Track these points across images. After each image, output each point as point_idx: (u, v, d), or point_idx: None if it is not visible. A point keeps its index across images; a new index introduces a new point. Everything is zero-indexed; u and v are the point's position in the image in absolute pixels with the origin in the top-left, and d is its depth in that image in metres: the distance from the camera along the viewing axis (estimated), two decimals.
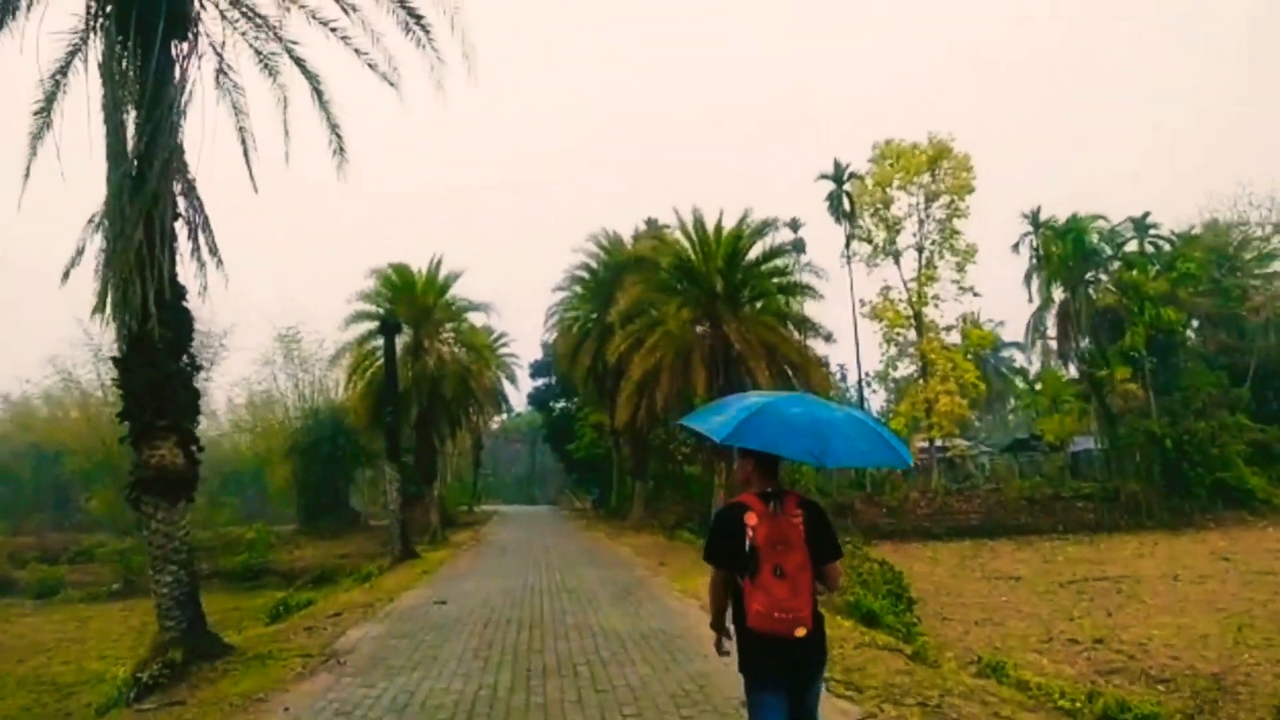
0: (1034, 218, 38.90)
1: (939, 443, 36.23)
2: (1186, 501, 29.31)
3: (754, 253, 18.85)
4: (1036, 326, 46.14)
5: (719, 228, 18.98)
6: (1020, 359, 57.66)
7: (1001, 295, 49.44)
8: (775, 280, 18.77)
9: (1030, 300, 45.24)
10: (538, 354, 48.87)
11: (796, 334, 18.66)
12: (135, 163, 7.66)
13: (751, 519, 2.67)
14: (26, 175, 8.13)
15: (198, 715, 5.57)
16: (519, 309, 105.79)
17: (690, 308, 19.01)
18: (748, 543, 2.65)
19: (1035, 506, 30.36)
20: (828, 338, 19.39)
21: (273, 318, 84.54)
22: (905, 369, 45.83)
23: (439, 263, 27.80)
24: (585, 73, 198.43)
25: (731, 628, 2.88)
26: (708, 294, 18.51)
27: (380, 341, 21.87)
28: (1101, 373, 32.33)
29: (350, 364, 26.76)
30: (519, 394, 52.96)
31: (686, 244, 19.45)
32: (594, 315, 31.41)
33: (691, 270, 19.10)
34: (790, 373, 17.62)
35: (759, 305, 19.35)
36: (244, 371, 65.09)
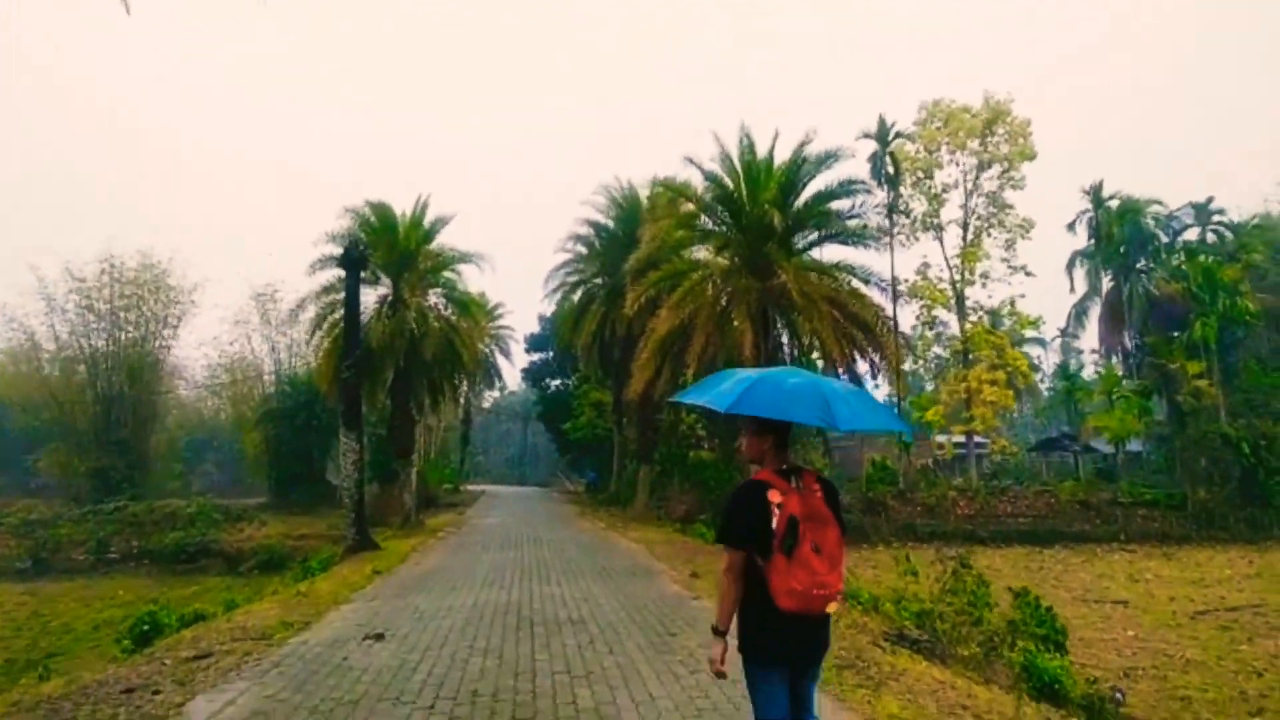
0: (1095, 194, 35.04)
1: (978, 438, 32.70)
2: (1264, 512, 25.87)
3: (815, 186, 15.00)
4: (1078, 317, 42.54)
5: (770, 156, 15.09)
6: (1038, 354, 53.28)
7: (1025, 284, 45.42)
8: (848, 221, 14.75)
9: (1071, 290, 41.74)
10: (534, 329, 45.64)
11: (863, 289, 14.80)
12: None
13: (775, 495, 2.61)
14: None
15: None
16: (517, 287, 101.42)
17: (733, 250, 15.20)
18: (775, 519, 2.56)
19: (1091, 512, 26.91)
20: (897, 299, 15.61)
21: (250, 276, 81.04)
22: (928, 361, 42.44)
23: (425, 205, 23.89)
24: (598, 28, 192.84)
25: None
26: (757, 232, 14.58)
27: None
28: (1173, 365, 28.64)
29: (315, 316, 22.88)
30: (513, 369, 49.51)
31: (727, 177, 15.50)
32: (599, 279, 27.78)
33: (735, 203, 15.19)
34: (860, 336, 13.86)
35: (818, 253, 15.53)
36: (214, 330, 62.26)
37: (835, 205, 14.99)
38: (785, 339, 15.32)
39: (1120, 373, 38.56)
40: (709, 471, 23.95)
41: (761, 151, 15.09)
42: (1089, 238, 36.12)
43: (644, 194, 26.35)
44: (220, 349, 40.55)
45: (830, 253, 16.14)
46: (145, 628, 7.71)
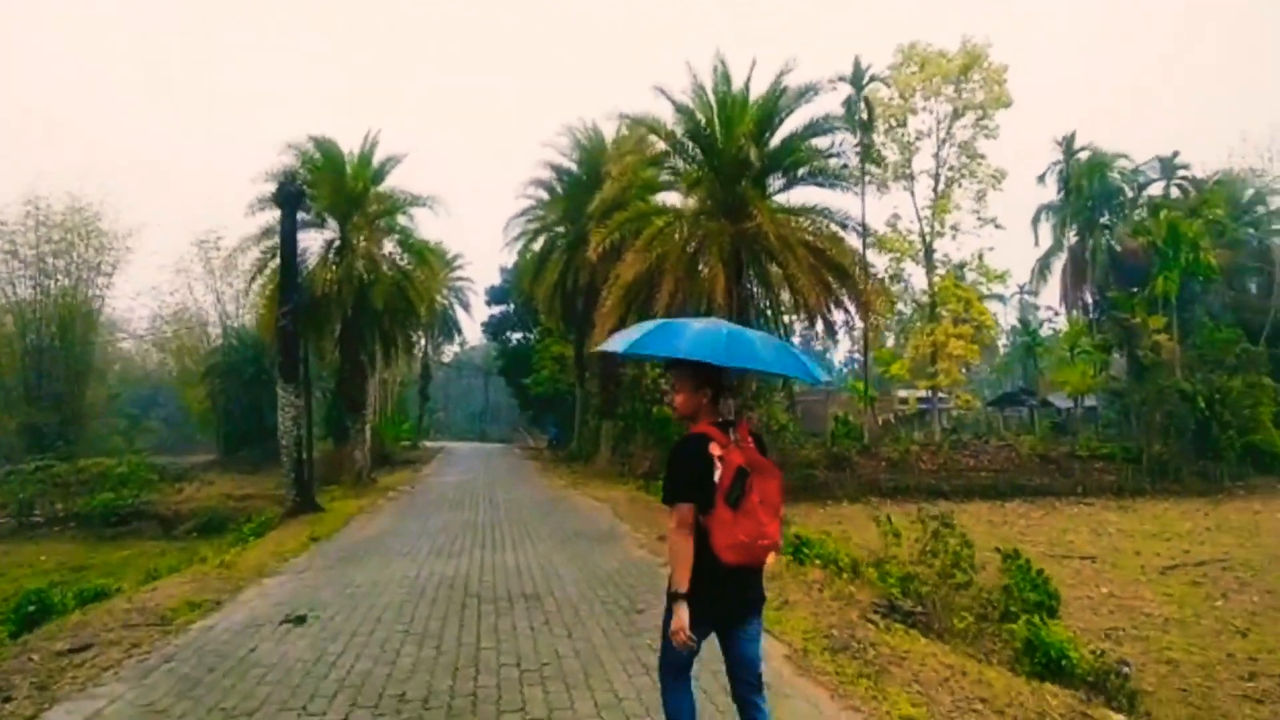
0: (1068, 145, 34.56)
1: (940, 393, 32.64)
2: (1216, 465, 26.37)
3: (794, 122, 13.97)
4: (1041, 272, 42.63)
5: (746, 88, 13.96)
6: (996, 309, 53.53)
7: (991, 238, 45.31)
8: (828, 160, 13.77)
9: (1036, 244, 41.69)
10: (495, 280, 44.23)
11: (841, 234, 13.94)
12: None
13: (715, 449, 2.56)
14: None
15: None
16: (481, 240, 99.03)
17: (704, 190, 14.17)
18: (718, 473, 2.51)
19: (1050, 466, 27.12)
20: (867, 248, 14.82)
21: (191, 222, 76.96)
22: (892, 316, 42.20)
23: (374, 142, 22.30)
24: None
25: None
26: (731, 171, 13.56)
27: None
28: (1135, 320, 28.67)
29: (256, 261, 21.28)
30: (474, 323, 48.14)
31: (700, 111, 14.33)
32: (561, 226, 26.49)
33: (708, 139, 14.08)
34: (836, 283, 13.07)
35: (785, 198, 14.50)
36: (154, 279, 59.03)
37: (814, 143, 14.03)
38: (755, 286, 14.45)
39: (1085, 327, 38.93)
40: (673, 428, 23.28)
41: (737, 83, 13.99)
42: (1059, 190, 35.80)
43: (609, 135, 24.98)
44: (161, 299, 38.42)
45: (802, 196, 15.21)
46: (31, 609, 6.66)
